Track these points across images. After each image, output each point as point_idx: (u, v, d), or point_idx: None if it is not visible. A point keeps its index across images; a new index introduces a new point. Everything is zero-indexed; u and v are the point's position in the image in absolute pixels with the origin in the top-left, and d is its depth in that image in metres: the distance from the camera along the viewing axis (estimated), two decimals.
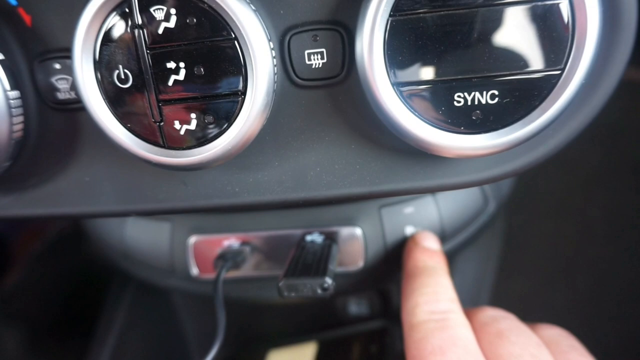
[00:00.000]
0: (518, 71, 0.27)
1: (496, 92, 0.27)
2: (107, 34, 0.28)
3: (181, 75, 0.28)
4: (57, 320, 0.91)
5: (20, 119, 0.32)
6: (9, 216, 0.36)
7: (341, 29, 0.30)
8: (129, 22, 0.28)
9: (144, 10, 0.27)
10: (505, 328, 0.37)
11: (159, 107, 0.29)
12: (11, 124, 0.31)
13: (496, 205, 0.54)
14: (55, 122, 0.34)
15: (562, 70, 0.26)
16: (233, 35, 0.28)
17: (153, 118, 0.29)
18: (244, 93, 0.29)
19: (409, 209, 0.48)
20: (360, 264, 0.48)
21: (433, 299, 0.39)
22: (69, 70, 0.32)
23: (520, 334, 0.37)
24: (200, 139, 0.30)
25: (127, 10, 0.28)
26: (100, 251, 0.59)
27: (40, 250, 0.94)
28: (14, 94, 0.32)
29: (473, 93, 0.27)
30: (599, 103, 0.30)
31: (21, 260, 0.91)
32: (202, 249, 0.49)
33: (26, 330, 0.89)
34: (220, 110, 0.29)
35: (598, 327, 0.95)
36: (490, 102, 0.27)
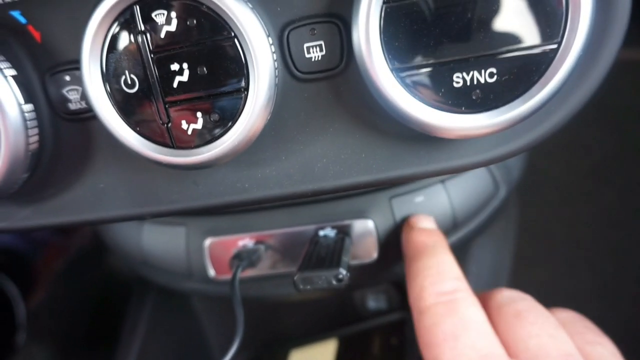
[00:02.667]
0: (515, 47, 0.27)
1: (494, 70, 0.28)
2: (112, 42, 0.30)
3: (185, 77, 0.29)
4: (83, 333, 0.93)
5: (35, 131, 0.33)
6: (30, 227, 0.38)
7: (337, 20, 0.30)
8: (132, 29, 0.29)
9: (146, 16, 0.28)
10: (523, 309, 0.37)
11: (166, 109, 0.30)
12: (27, 137, 0.33)
13: (507, 190, 0.53)
14: (69, 132, 0.35)
15: (559, 44, 0.27)
16: (233, 34, 0.29)
17: (160, 120, 0.30)
18: (246, 89, 0.29)
19: (419, 198, 0.48)
20: (374, 255, 0.49)
21: (438, 279, 0.38)
22: (78, 81, 0.33)
23: (538, 315, 0.36)
24: (208, 137, 0.30)
25: (130, 17, 0.29)
26: (120, 261, 0.61)
27: (63, 267, 0.97)
28: (28, 107, 0.33)
29: (472, 73, 0.28)
30: (599, 75, 0.30)
31: (45, 279, 0.94)
32: (218, 251, 0.50)
33: (54, 346, 0.91)
34: (225, 107, 0.30)
35: (622, 311, 0.93)
36: (489, 80, 0.28)
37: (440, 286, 0.37)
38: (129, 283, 0.79)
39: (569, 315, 0.41)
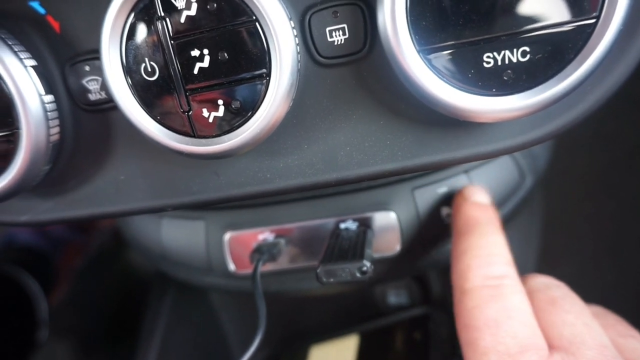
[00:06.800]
0: (549, 23, 0.25)
1: (527, 49, 0.26)
2: (132, 29, 0.29)
3: (206, 63, 0.29)
4: (103, 329, 0.94)
5: (56, 122, 0.33)
6: (52, 220, 0.37)
7: (361, 2, 0.29)
8: (152, 15, 0.28)
9: (165, 1, 0.28)
10: (558, 296, 0.36)
11: (187, 97, 0.29)
12: (48, 128, 0.32)
13: (533, 179, 0.52)
14: (89, 123, 0.35)
15: (597, 18, 0.25)
16: (254, 18, 0.28)
17: (181, 108, 0.30)
18: (268, 75, 0.29)
19: (442, 189, 0.47)
20: (396, 248, 0.48)
21: (486, 262, 0.36)
22: (98, 71, 0.33)
23: (574, 303, 0.35)
24: (229, 125, 0.30)
25: (149, 3, 0.28)
26: (140, 256, 0.61)
27: (83, 265, 0.98)
28: (49, 98, 0.33)
29: (503, 52, 0.27)
30: (639, 52, 0.28)
31: (66, 276, 0.95)
32: (238, 245, 0.49)
33: (75, 342, 0.92)
34: (247, 94, 0.29)
35: None
36: (521, 59, 0.26)
37: (488, 269, 0.36)
38: (149, 279, 0.79)
39: (598, 309, 0.40)
